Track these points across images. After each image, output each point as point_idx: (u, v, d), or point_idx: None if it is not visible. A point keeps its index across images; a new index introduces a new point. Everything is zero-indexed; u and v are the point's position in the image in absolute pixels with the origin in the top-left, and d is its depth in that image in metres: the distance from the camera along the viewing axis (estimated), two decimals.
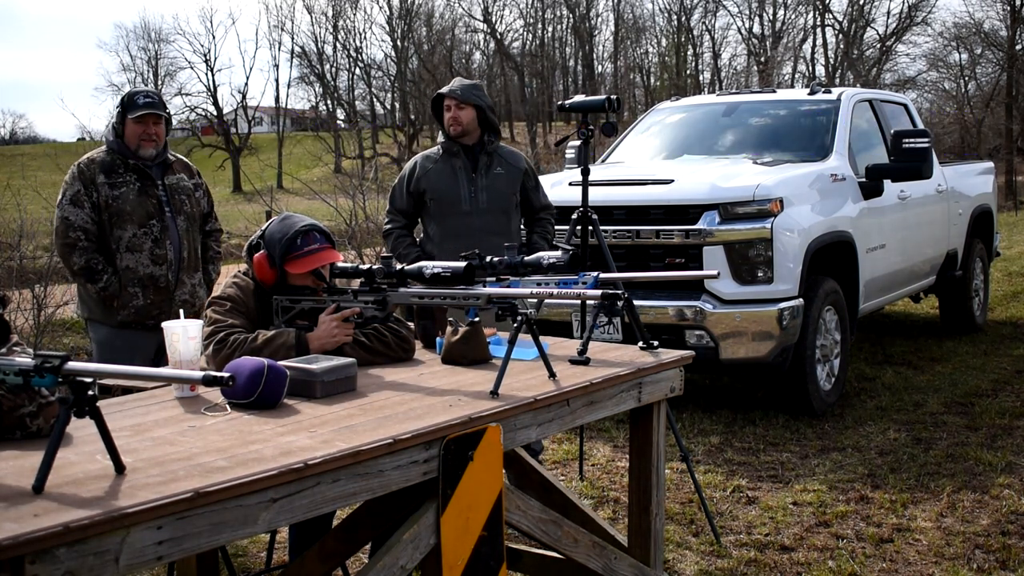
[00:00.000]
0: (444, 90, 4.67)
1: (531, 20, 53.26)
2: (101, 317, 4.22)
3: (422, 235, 4.80)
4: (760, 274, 5.64)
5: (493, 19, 51.75)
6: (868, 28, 43.59)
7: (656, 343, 3.32)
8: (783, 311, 5.62)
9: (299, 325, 3.05)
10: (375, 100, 54.89)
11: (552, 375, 2.86)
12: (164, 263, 4.17)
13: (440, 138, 4.73)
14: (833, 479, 4.90)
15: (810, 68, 45.53)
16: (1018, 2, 31.20)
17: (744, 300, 5.64)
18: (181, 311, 2.94)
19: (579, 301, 4.62)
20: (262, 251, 3.13)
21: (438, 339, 3.23)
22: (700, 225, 5.67)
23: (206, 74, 67.41)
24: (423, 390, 2.74)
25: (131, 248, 4.13)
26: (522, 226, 4.89)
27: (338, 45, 53.61)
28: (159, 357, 4.17)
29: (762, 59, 44.52)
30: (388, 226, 4.78)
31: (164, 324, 2.77)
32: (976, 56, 35.30)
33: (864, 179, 6.61)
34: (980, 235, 8.90)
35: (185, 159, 4.47)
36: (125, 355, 4.06)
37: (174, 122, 59.15)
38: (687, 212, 5.74)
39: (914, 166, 6.60)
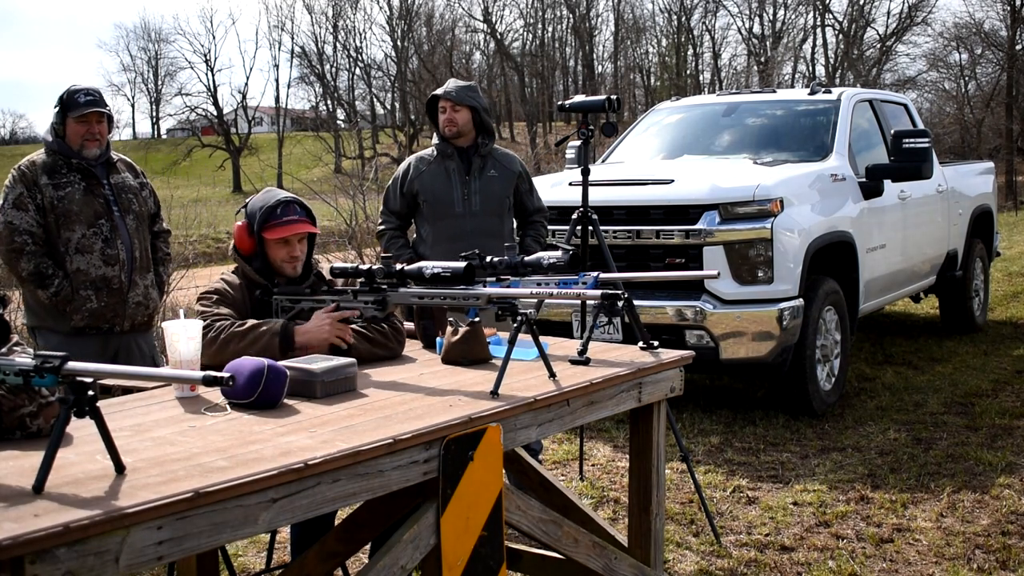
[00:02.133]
0: (439, 91, 4.66)
1: (531, 20, 53.33)
2: (52, 324, 4.00)
3: (415, 236, 4.81)
4: (760, 274, 5.64)
5: (493, 19, 51.79)
6: (868, 28, 43.65)
7: (656, 343, 3.32)
8: (783, 311, 5.62)
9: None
10: (375, 100, 54.96)
11: (552, 375, 2.85)
12: (116, 263, 3.99)
13: (435, 139, 4.73)
14: (833, 479, 4.90)
15: (810, 68, 45.60)
16: (1018, 2, 31.24)
17: (744, 300, 5.64)
18: (182, 311, 2.93)
19: (579, 301, 4.62)
20: (243, 220, 3.17)
21: (438, 339, 3.23)
22: (700, 225, 5.67)
23: (206, 74, 67.69)
24: (423, 390, 2.74)
25: (81, 249, 3.94)
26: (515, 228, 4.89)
27: (338, 45, 53.68)
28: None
29: (762, 59, 44.54)
30: (381, 227, 4.78)
31: (164, 324, 2.77)
32: (976, 56, 35.34)
33: (864, 179, 6.61)
34: (980, 235, 8.90)
35: (128, 159, 4.28)
36: None
37: (173, 122, 59.41)
38: (687, 212, 5.74)
39: (914, 166, 6.60)
